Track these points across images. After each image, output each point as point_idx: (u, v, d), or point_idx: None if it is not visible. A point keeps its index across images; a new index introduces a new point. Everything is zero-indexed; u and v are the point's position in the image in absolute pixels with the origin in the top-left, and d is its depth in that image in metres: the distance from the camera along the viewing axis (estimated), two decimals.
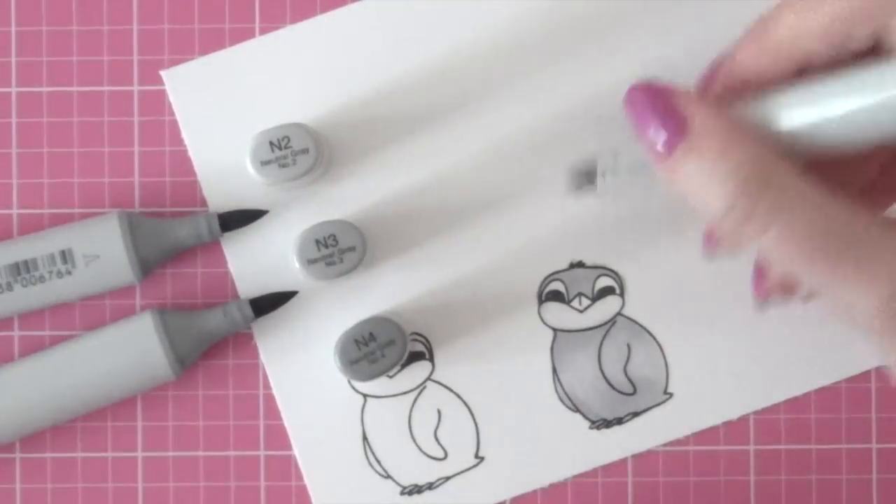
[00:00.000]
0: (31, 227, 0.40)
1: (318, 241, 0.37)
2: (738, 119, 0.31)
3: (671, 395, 0.40)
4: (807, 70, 0.31)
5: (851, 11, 0.30)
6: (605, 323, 0.40)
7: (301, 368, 0.40)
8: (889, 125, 0.30)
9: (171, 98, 0.40)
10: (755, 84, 0.32)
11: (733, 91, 0.32)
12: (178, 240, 0.39)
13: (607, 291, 0.40)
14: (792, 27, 0.31)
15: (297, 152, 0.37)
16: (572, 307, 0.40)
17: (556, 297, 0.40)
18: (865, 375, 0.40)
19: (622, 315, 0.40)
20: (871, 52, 0.30)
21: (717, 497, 0.40)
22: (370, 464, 0.40)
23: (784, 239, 0.30)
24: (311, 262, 0.37)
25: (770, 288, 0.37)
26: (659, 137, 0.31)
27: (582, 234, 0.40)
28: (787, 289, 0.36)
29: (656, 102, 0.32)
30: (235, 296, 0.40)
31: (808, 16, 0.31)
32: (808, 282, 0.30)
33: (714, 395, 0.40)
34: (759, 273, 0.37)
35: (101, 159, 0.41)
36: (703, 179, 0.30)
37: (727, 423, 0.40)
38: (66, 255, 0.38)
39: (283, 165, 0.37)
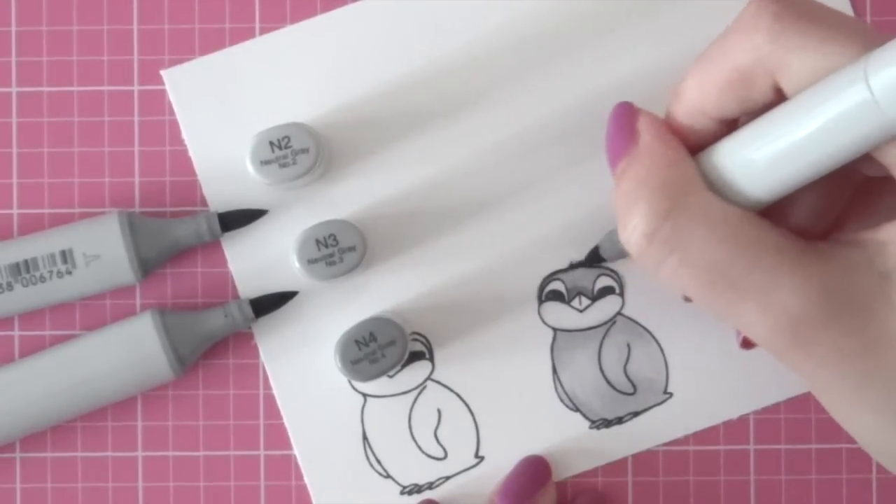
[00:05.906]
0: (31, 227, 0.40)
1: (318, 241, 0.37)
2: (680, 145, 0.31)
3: (671, 395, 0.40)
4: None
5: (749, 60, 0.29)
6: (605, 323, 0.40)
7: (301, 368, 0.40)
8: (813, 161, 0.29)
9: (171, 98, 0.40)
10: (690, 140, 0.32)
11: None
12: (178, 240, 0.39)
13: (607, 291, 0.40)
14: (699, 85, 0.31)
15: (297, 152, 0.37)
16: (572, 307, 0.40)
17: (556, 296, 0.40)
18: None
19: (622, 315, 0.40)
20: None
21: (717, 497, 0.40)
22: (370, 463, 0.40)
23: (682, 267, 0.30)
24: (311, 262, 0.37)
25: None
26: (612, 149, 0.32)
27: (582, 234, 0.40)
28: None
29: (620, 119, 0.33)
30: (235, 296, 0.40)
31: (712, 72, 0.31)
32: (706, 308, 0.30)
33: (714, 395, 0.40)
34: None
35: (101, 159, 0.41)
36: (630, 194, 0.31)
37: (727, 423, 0.40)
38: (66, 255, 0.38)
39: (283, 165, 0.37)
